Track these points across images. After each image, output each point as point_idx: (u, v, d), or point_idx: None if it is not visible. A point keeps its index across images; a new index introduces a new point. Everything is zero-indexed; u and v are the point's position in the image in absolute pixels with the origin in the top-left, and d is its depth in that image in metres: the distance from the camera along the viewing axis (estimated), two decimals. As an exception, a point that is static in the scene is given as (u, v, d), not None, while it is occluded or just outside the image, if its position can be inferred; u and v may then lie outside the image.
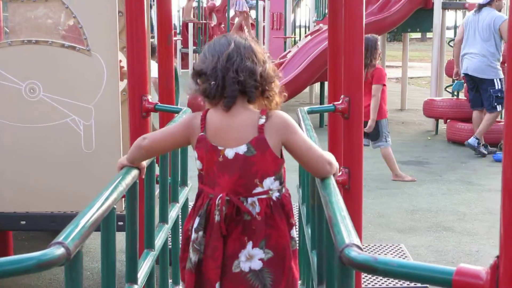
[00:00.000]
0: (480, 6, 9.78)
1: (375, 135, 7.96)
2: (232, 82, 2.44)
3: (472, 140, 9.58)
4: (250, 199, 2.47)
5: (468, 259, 5.63)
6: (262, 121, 2.48)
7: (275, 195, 2.50)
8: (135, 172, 2.61)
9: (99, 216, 2.03)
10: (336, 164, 2.56)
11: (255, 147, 2.45)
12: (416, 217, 6.81)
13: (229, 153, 2.47)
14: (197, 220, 2.52)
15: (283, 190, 2.56)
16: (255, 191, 2.48)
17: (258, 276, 2.46)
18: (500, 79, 9.49)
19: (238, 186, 2.47)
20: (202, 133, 2.51)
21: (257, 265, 2.46)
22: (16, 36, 4.43)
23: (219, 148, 2.48)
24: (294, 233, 2.58)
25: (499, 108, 9.44)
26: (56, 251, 1.68)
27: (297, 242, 2.60)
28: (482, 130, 9.55)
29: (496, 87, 9.45)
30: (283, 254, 2.50)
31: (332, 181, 2.43)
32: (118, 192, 2.27)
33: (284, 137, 2.49)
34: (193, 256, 2.52)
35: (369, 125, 7.67)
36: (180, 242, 2.73)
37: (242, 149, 2.46)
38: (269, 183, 2.48)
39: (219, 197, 2.45)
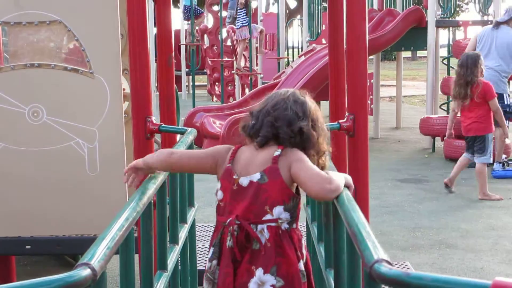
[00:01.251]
0: (498, 24, 10.12)
1: (481, 149, 8.06)
2: (268, 125, 2.59)
3: (496, 166, 9.62)
4: (259, 226, 2.52)
5: (474, 276, 5.60)
6: (277, 153, 2.57)
7: (284, 225, 2.54)
8: (149, 193, 2.59)
9: (121, 236, 2.00)
10: (340, 184, 2.53)
11: (267, 175, 2.54)
12: (418, 235, 6.79)
13: (244, 181, 2.56)
14: (211, 250, 2.58)
15: (294, 225, 2.59)
16: (264, 218, 2.52)
17: None
18: (508, 94, 9.68)
19: (248, 212, 2.52)
20: (229, 165, 2.62)
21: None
22: (18, 60, 4.41)
23: (234, 177, 2.58)
24: (302, 266, 2.59)
25: (507, 123, 9.51)
26: (83, 272, 1.66)
27: (305, 275, 2.59)
28: (500, 151, 9.58)
29: (505, 102, 9.57)
30: (293, 283, 2.52)
31: (350, 197, 2.41)
32: (136, 213, 2.25)
33: (292, 166, 2.54)
34: (206, 286, 2.58)
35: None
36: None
37: (256, 176, 2.55)
38: (279, 212, 2.53)
39: (229, 220, 2.52)
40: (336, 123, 4.19)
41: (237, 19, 16.33)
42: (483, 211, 7.62)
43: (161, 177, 2.87)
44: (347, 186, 2.60)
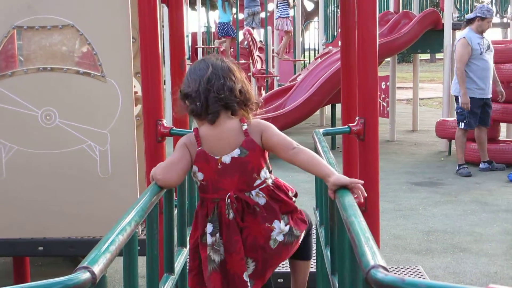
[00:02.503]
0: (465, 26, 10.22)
1: None
2: (214, 101, 2.84)
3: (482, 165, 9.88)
4: (253, 192, 2.87)
5: (487, 281, 5.58)
6: (245, 127, 2.88)
7: (269, 181, 2.92)
8: (154, 196, 2.61)
9: (123, 240, 2.03)
10: (303, 147, 2.91)
11: (246, 148, 2.86)
12: (432, 239, 6.77)
13: (226, 159, 2.86)
14: (209, 226, 2.86)
15: (273, 177, 2.97)
16: (255, 184, 2.87)
17: (289, 235, 2.91)
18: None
19: (240, 184, 2.85)
20: (200, 148, 2.88)
21: (286, 229, 2.90)
22: (31, 63, 4.45)
23: (216, 157, 2.86)
24: (294, 199, 3.04)
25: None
26: (82, 275, 1.68)
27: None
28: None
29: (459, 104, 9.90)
30: (294, 216, 2.98)
31: (353, 202, 2.42)
32: (140, 216, 2.27)
33: (263, 133, 2.89)
34: (216, 257, 2.85)
35: None
36: (188, 254, 3.05)
37: (236, 152, 2.86)
38: (264, 173, 2.89)
39: (227, 195, 2.83)
40: (347, 126, 4.20)
41: (278, 10, 16.31)
42: (498, 215, 7.58)
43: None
44: (346, 185, 2.75)
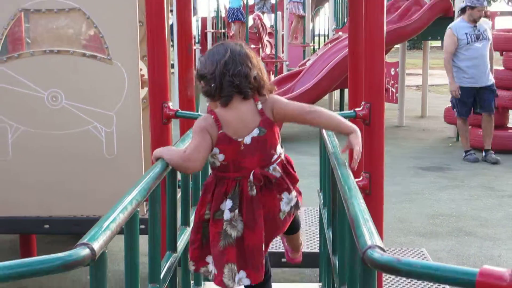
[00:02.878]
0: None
1: None
2: (228, 84, 2.90)
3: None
4: (271, 167, 2.97)
5: (490, 263, 5.57)
6: (260, 106, 2.96)
7: (282, 156, 3.04)
8: (157, 176, 2.64)
9: (123, 218, 2.05)
10: (315, 108, 3.02)
11: (264, 127, 2.94)
12: (437, 222, 6.79)
13: (247, 139, 2.93)
14: (229, 202, 2.94)
15: (283, 151, 3.09)
16: (273, 159, 2.98)
17: (295, 206, 3.02)
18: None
19: (260, 161, 2.95)
20: (221, 131, 2.93)
21: (294, 201, 3.01)
22: (38, 46, 4.48)
23: (239, 139, 2.93)
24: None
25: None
26: (81, 251, 1.71)
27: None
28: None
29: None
30: (298, 190, 3.09)
31: (354, 184, 2.44)
32: (141, 195, 2.30)
33: (274, 108, 2.97)
34: (232, 232, 2.93)
35: None
36: (192, 226, 3.10)
37: (255, 132, 2.94)
38: (278, 148, 3.01)
39: (252, 173, 2.92)
40: (352, 111, 4.20)
41: None
42: (503, 200, 7.59)
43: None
44: (350, 132, 2.98)
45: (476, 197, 7.79)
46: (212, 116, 2.93)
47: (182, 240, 3.25)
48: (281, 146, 3.05)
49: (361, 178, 4.00)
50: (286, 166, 3.03)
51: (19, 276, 1.60)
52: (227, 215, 2.92)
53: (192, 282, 3.84)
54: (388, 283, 4.37)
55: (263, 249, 2.94)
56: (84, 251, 1.71)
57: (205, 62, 2.97)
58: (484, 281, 1.50)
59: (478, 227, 6.63)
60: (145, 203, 4.06)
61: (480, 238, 6.28)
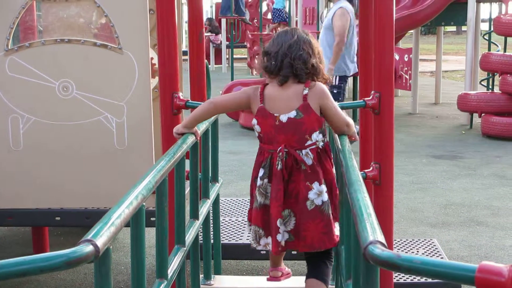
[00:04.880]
0: None
1: None
2: (288, 65, 3.18)
3: None
4: (304, 151, 3.19)
5: (502, 254, 5.59)
6: (305, 91, 3.20)
7: (320, 144, 3.23)
8: (165, 169, 2.64)
9: (128, 214, 2.06)
10: (352, 127, 3.36)
11: (302, 111, 3.18)
12: (450, 212, 6.77)
13: (283, 118, 3.18)
14: (261, 170, 3.23)
15: (325, 140, 3.28)
16: (306, 144, 3.19)
17: (327, 205, 3.19)
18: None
19: (292, 141, 3.19)
20: (261, 104, 3.23)
21: (325, 197, 3.18)
22: (49, 35, 4.49)
23: (275, 115, 3.20)
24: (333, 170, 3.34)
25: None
26: (85, 248, 1.71)
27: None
28: None
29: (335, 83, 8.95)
30: (331, 186, 3.26)
31: (359, 178, 2.44)
32: (147, 190, 2.30)
33: (321, 101, 3.22)
34: (259, 198, 3.22)
35: None
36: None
37: (292, 114, 3.18)
38: (316, 136, 3.20)
39: (279, 149, 3.17)
40: (362, 101, 4.19)
41: None
42: (516, 189, 7.58)
43: (178, 154, 2.92)
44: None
45: (489, 185, 7.76)
46: (260, 89, 3.25)
47: (191, 234, 3.26)
48: (323, 135, 3.24)
49: (370, 168, 3.99)
50: (322, 155, 3.23)
51: (23, 273, 1.60)
52: (258, 182, 3.22)
53: (201, 275, 3.86)
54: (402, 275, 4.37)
55: (277, 224, 3.15)
56: (88, 248, 1.72)
57: (273, 42, 3.29)
58: (483, 277, 1.52)
59: (490, 216, 6.61)
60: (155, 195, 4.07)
61: (492, 227, 6.27)
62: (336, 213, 3.26)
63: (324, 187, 3.17)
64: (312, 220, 3.16)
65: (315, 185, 3.16)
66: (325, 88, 3.27)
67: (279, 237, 3.17)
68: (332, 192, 3.25)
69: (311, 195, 3.16)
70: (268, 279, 3.63)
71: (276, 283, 3.58)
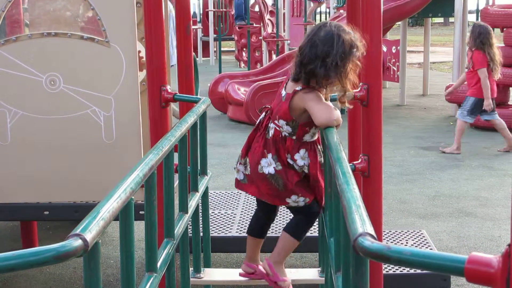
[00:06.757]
0: None
1: None
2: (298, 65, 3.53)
3: None
4: (271, 125, 3.57)
5: (491, 245, 5.62)
6: (298, 88, 3.49)
7: (284, 133, 3.54)
8: (153, 163, 2.63)
9: (117, 207, 2.05)
10: (332, 122, 3.46)
11: (285, 98, 3.54)
12: (438, 203, 6.80)
13: (283, 92, 3.59)
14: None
15: (293, 137, 3.53)
16: (275, 121, 3.55)
17: (274, 178, 3.53)
18: None
19: (275, 111, 3.58)
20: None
21: (272, 170, 3.53)
22: (35, 28, 4.46)
23: (282, 93, 3.61)
24: (291, 161, 3.54)
25: None
26: (74, 242, 1.70)
27: (300, 167, 3.56)
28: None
29: None
30: (286, 169, 3.53)
31: (348, 169, 2.44)
32: (136, 183, 2.29)
33: (304, 104, 3.46)
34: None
35: None
36: None
37: (283, 94, 3.56)
38: (282, 123, 3.53)
39: (270, 111, 3.64)
40: (349, 92, 4.19)
41: None
42: (503, 180, 7.61)
43: (167, 147, 2.91)
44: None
45: (477, 176, 7.80)
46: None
47: (180, 227, 3.25)
48: (291, 128, 3.51)
49: (359, 160, 4.00)
50: (279, 140, 3.53)
51: (11, 268, 1.60)
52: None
53: (191, 268, 3.85)
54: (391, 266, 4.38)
55: (239, 162, 3.68)
56: (77, 242, 1.71)
57: (307, 37, 3.63)
58: (473, 268, 1.52)
59: (478, 207, 6.64)
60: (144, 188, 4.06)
61: (481, 218, 6.30)
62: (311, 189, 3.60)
63: (272, 161, 3.52)
64: (260, 180, 3.58)
65: (269, 155, 3.54)
66: (312, 93, 3.47)
67: (239, 175, 3.68)
68: (287, 173, 3.54)
69: (263, 162, 3.55)
70: (240, 274, 3.81)
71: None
